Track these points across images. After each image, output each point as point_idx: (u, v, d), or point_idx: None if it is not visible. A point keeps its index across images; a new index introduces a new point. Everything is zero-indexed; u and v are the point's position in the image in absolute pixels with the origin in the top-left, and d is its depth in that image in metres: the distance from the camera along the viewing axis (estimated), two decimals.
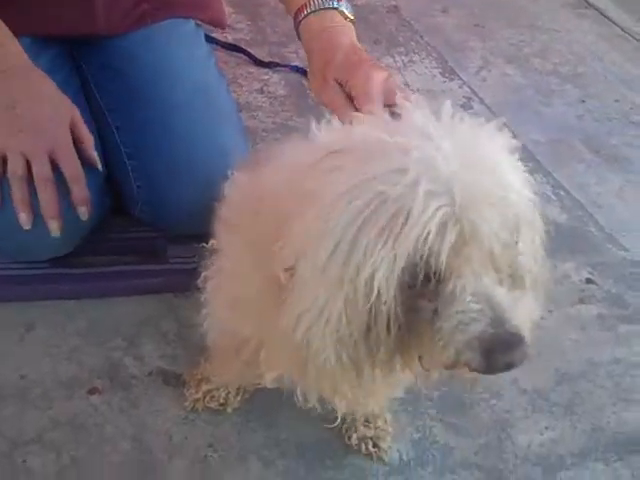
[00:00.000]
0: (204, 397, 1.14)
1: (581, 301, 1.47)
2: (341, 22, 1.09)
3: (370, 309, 0.66)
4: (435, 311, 0.67)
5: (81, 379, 1.18)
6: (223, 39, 2.06)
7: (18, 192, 1.09)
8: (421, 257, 0.64)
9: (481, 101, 2.03)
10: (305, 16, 1.11)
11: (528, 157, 1.74)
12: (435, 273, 0.66)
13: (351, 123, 0.76)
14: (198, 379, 1.15)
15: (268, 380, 0.90)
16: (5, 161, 1.09)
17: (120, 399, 1.16)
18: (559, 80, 2.17)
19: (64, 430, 1.11)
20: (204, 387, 1.13)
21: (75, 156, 1.13)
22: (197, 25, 1.44)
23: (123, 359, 1.22)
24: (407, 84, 2.06)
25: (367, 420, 1.14)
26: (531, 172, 1.71)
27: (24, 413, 1.12)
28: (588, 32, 2.45)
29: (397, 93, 0.93)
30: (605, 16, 2.56)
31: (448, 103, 0.72)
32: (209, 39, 1.91)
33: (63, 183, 1.11)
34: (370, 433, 1.13)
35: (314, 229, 0.67)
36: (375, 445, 1.13)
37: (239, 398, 1.15)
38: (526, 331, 0.68)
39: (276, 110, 1.87)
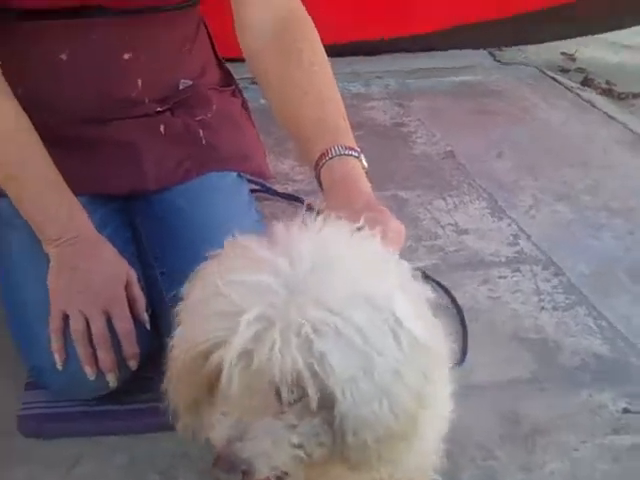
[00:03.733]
0: None
1: (615, 432, 1.47)
2: (360, 171, 1.17)
3: None
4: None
5: None
6: (283, 190, 2.24)
7: (82, 348, 1.26)
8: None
9: (528, 238, 2.10)
10: (328, 159, 1.17)
11: (572, 290, 1.83)
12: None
13: None
14: None
15: None
16: (67, 318, 1.26)
17: None
18: (609, 214, 2.22)
19: None
20: None
21: (128, 314, 1.30)
22: (239, 176, 1.60)
23: None
24: (456, 224, 2.16)
25: None
26: (574, 305, 1.79)
27: None
28: None
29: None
30: None
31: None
32: (267, 190, 2.09)
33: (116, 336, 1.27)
34: None
35: None
36: None
37: None
38: (260, 461, 0.77)
39: None
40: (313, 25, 1.35)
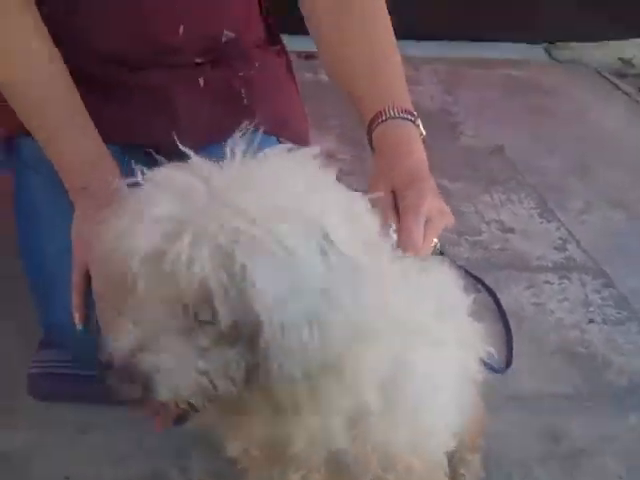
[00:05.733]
0: None
1: None
2: (415, 137, 1.08)
3: None
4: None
5: None
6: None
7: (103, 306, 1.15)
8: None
9: (577, 244, 1.97)
10: (381, 122, 1.09)
11: (623, 305, 1.71)
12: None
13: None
14: None
15: None
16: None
17: None
18: None
19: None
20: None
21: None
22: (278, 141, 1.49)
23: (170, 470, 1.22)
24: (502, 222, 2.04)
25: None
26: (625, 321, 1.67)
27: None
28: None
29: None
30: None
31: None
32: None
33: None
34: None
35: None
36: None
37: None
38: (161, 381, 0.69)
39: None
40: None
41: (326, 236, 0.68)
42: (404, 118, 1.09)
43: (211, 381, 0.70)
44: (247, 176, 0.71)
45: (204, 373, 0.70)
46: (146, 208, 0.69)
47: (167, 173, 0.74)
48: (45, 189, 1.26)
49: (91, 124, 1.23)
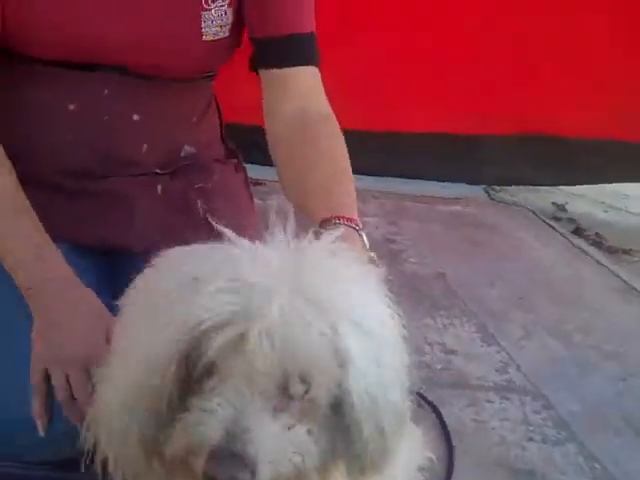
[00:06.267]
0: None
1: None
2: (358, 241, 1.10)
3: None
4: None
5: None
6: None
7: (67, 406, 1.10)
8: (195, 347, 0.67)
9: (518, 368, 2.01)
10: (330, 225, 1.11)
11: (562, 426, 1.73)
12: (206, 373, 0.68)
13: None
14: None
15: None
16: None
17: None
18: (600, 356, 2.14)
19: None
20: None
21: None
22: None
23: None
24: (444, 344, 2.07)
25: None
26: (564, 441, 1.68)
27: None
28: (633, 315, 2.46)
29: None
30: None
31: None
32: None
33: None
34: None
35: None
36: None
37: None
38: (265, 464, 0.66)
39: None
40: (337, 122, 1.33)
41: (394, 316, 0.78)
42: (349, 226, 1.12)
43: (302, 457, 0.70)
44: (317, 260, 0.74)
45: (297, 450, 0.70)
46: (240, 285, 0.69)
47: (236, 250, 0.77)
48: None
49: (36, 222, 1.23)
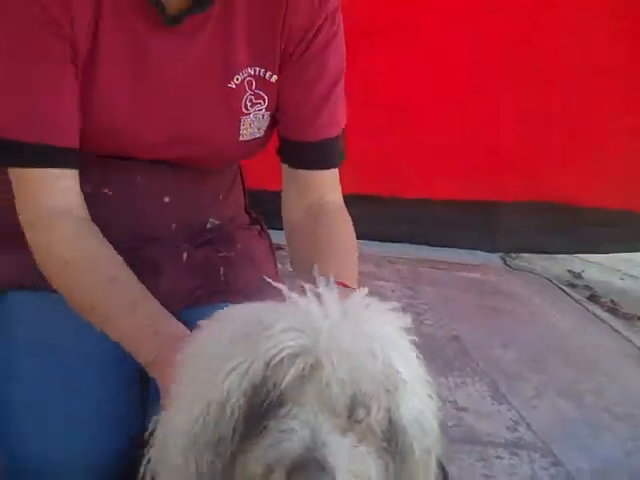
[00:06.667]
0: None
1: None
2: None
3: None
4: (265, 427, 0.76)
5: None
6: None
7: None
8: (267, 379, 0.75)
9: (528, 426, 2.04)
10: None
11: None
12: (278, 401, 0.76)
13: None
14: None
15: None
16: None
17: None
18: (611, 418, 2.17)
19: None
20: None
21: None
22: None
23: None
24: (456, 402, 2.11)
25: None
26: None
27: None
28: None
29: None
30: None
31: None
32: None
33: None
34: None
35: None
36: None
37: None
38: (343, 473, 0.73)
39: None
40: (349, 217, 1.41)
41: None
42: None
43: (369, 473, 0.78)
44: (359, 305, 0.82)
45: (364, 467, 0.78)
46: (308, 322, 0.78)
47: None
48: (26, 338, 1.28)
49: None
